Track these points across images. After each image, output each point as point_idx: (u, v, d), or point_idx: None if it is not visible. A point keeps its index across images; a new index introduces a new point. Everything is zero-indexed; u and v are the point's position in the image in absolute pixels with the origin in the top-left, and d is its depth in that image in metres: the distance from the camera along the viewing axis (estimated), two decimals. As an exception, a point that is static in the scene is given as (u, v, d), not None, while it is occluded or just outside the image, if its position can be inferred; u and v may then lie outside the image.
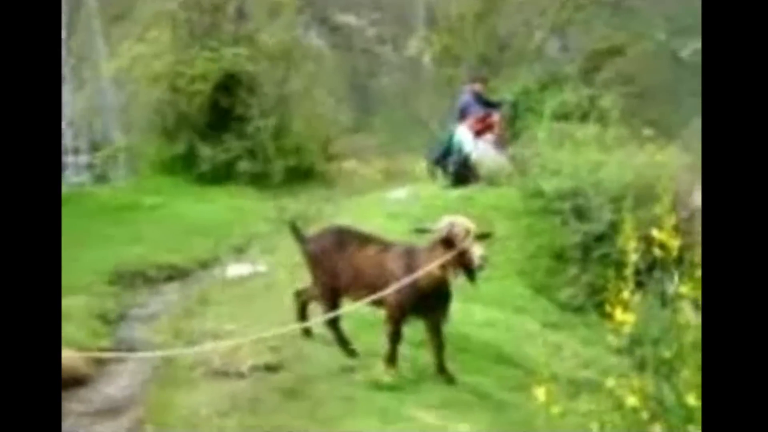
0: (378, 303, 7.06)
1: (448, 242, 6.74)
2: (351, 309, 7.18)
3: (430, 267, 6.77)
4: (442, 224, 6.85)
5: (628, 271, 4.16)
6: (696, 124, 18.42)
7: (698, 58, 23.21)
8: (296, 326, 7.66)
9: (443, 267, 6.78)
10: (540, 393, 3.99)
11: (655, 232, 4.14)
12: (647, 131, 13.42)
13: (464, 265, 6.79)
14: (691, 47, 24.78)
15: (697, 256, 4.17)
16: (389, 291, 6.79)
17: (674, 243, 4.12)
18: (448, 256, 6.72)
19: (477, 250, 6.71)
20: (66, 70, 24.92)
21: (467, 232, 6.75)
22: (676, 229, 4.17)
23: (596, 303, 9.98)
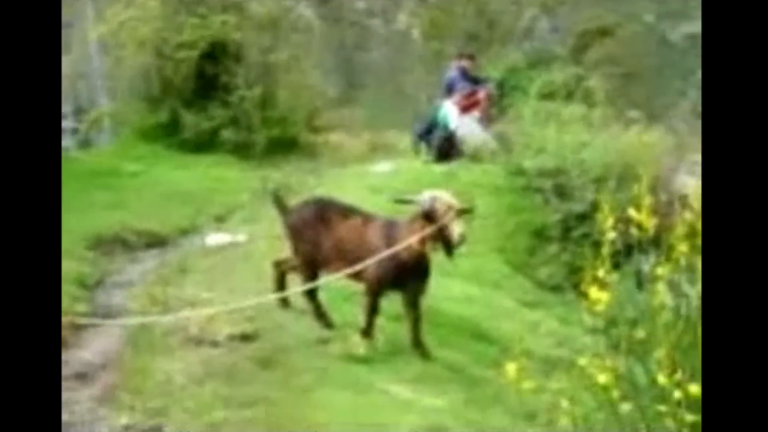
0: (357, 275, 7.06)
1: (429, 217, 6.74)
2: (329, 279, 7.17)
3: (409, 240, 6.77)
4: (424, 198, 6.84)
5: (605, 250, 4.17)
6: (683, 107, 18.45)
7: (687, 42, 23.23)
8: (274, 296, 7.66)
9: (422, 241, 6.79)
10: (511, 369, 4.00)
11: (632, 212, 4.14)
12: (633, 113, 13.46)
13: (444, 240, 6.80)
14: (680, 30, 24.75)
15: (674, 238, 4.18)
16: (369, 262, 6.79)
17: (650, 223, 4.13)
18: (429, 230, 6.72)
19: (457, 227, 6.71)
20: (53, 34, 24.81)
21: (448, 207, 6.75)
22: (654, 210, 4.17)
23: (574, 282, 9.99)
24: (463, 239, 6.75)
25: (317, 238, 7.36)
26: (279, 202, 7.86)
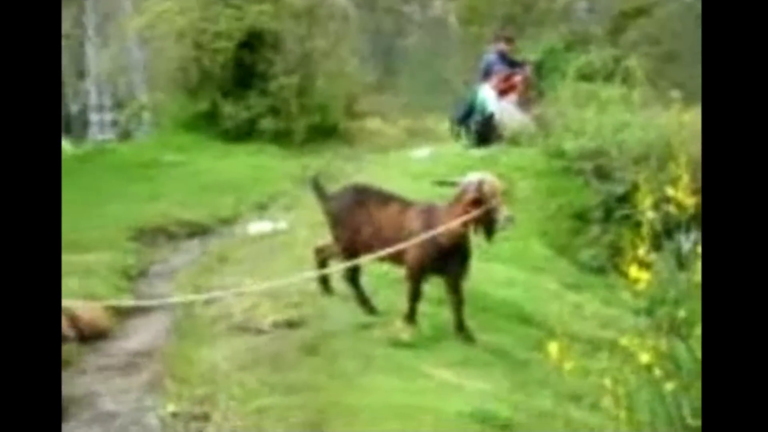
0: (398, 260, 7.09)
1: (476, 200, 6.73)
2: (370, 258, 7.16)
3: (453, 223, 6.78)
4: (470, 180, 6.84)
5: (645, 230, 4.16)
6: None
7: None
8: (311, 274, 7.70)
9: (465, 224, 6.80)
10: (553, 349, 4.00)
11: (670, 191, 4.13)
12: (673, 92, 13.34)
13: (487, 223, 6.80)
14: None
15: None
16: (409, 243, 6.80)
17: (689, 201, 4.11)
18: (475, 213, 6.72)
19: (504, 210, 6.72)
20: (91, 29, 25.02)
21: (495, 189, 6.76)
22: (694, 188, 4.16)
23: (617, 264, 9.94)
24: (512, 220, 6.78)
25: (357, 225, 7.38)
26: (318, 189, 7.89)
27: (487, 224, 6.81)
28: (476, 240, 7.02)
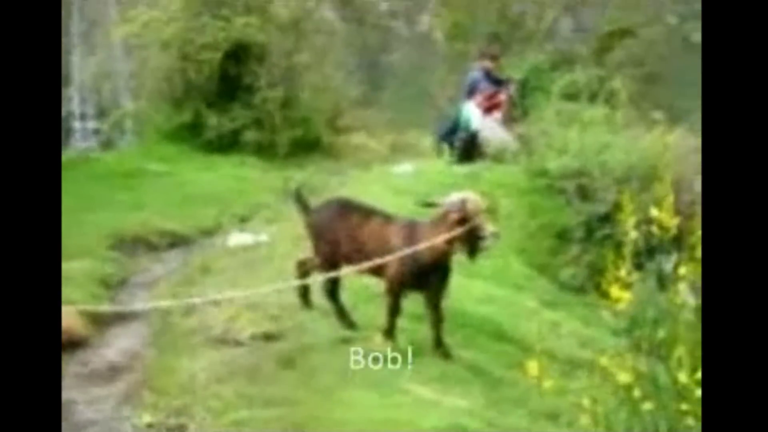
0: (378, 275, 7.09)
1: (460, 219, 6.74)
2: (350, 271, 7.15)
3: (436, 241, 6.78)
4: (453, 200, 6.85)
5: (627, 249, 4.18)
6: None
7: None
8: (290, 284, 7.70)
9: (449, 242, 6.80)
10: (532, 367, 4.01)
11: (653, 211, 4.15)
12: (656, 114, 13.40)
13: (471, 241, 6.81)
14: (704, 32, 24.63)
15: (696, 238, 4.18)
16: (390, 258, 6.80)
17: (672, 222, 4.13)
18: (458, 231, 6.73)
19: (489, 226, 6.74)
20: (76, 36, 24.95)
21: (478, 207, 6.78)
22: (676, 210, 4.18)
23: (597, 283, 9.97)
24: (497, 236, 6.79)
25: (338, 239, 7.37)
26: (300, 202, 7.88)
27: (472, 242, 6.82)
28: (457, 256, 7.03)
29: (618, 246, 4.36)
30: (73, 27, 25.52)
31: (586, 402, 4.08)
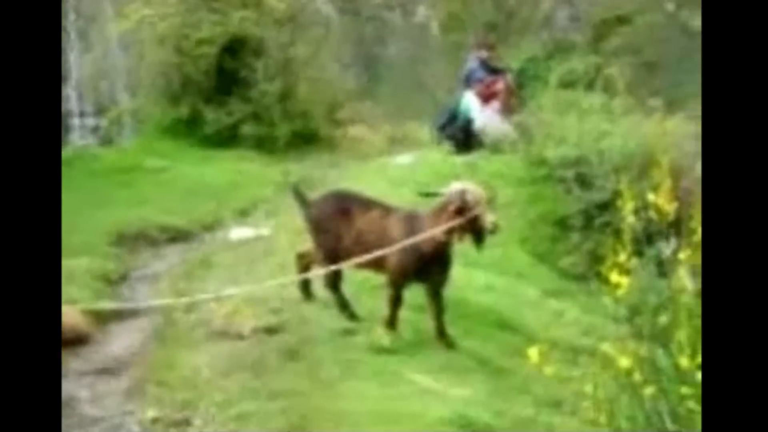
0: (379, 267, 7.09)
1: (460, 209, 6.75)
2: (350, 263, 7.16)
3: (436, 231, 6.79)
4: (453, 190, 6.86)
5: (626, 236, 4.19)
6: (703, 95, 18.33)
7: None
8: (292, 278, 7.71)
9: (450, 232, 6.81)
10: (533, 354, 4.02)
11: (651, 197, 4.16)
12: (653, 101, 13.41)
13: (475, 230, 6.83)
14: (700, 18, 24.60)
15: (695, 223, 4.20)
16: (391, 249, 6.81)
17: (670, 207, 4.14)
18: (459, 221, 6.74)
19: (489, 216, 6.75)
20: (73, 33, 24.90)
21: (479, 197, 6.79)
22: (674, 195, 4.19)
23: (597, 271, 9.98)
24: (496, 227, 6.80)
25: (338, 231, 7.38)
26: (299, 196, 7.88)
27: (475, 232, 6.84)
28: (458, 246, 7.04)
29: (617, 233, 4.37)
30: (69, 24, 25.49)
31: (588, 388, 4.10)
